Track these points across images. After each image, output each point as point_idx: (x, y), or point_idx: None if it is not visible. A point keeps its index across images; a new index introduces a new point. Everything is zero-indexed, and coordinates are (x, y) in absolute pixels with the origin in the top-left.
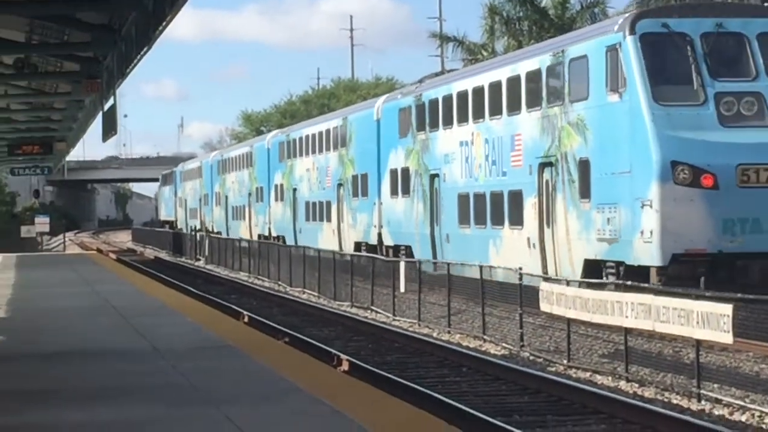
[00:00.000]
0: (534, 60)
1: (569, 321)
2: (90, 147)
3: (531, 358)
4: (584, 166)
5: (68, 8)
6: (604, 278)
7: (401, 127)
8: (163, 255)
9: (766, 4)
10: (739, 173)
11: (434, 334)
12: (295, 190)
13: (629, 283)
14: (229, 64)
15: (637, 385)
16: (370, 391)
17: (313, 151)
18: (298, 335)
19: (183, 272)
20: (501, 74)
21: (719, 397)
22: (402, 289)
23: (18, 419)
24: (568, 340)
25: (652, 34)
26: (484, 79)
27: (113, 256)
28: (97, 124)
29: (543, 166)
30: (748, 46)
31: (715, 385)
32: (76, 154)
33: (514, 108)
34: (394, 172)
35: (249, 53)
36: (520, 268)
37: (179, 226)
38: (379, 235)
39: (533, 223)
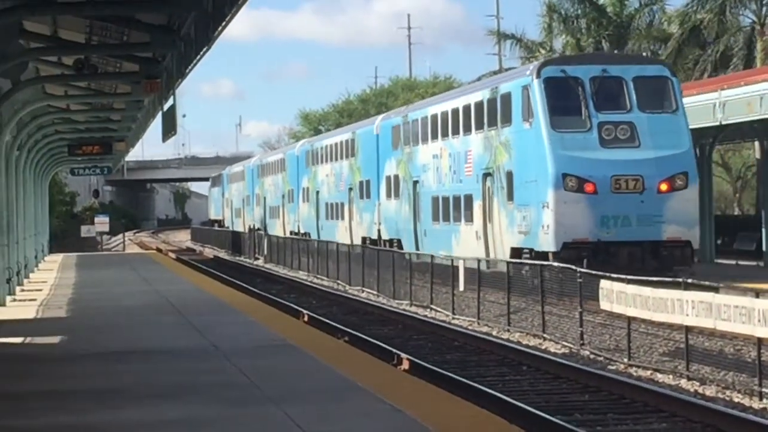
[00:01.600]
0: (479, 93)
1: (629, 319)
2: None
3: (591, 356)
4: (509, 176)
5: (127, 9)
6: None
7: (393, 141)
8: (222, 254)
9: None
10: (612, 182)
11: (494, 333)
12: (318, 192)
13: (690, 281)
14: (286, 64)
15: (698, 384)
16: (430, 389)
17: (331, 159)
18: (358, 334)
19: (242, 271)
20: (459, 103)
21: None
22: (461, 288)
23: (79, 419)
24: (629, 338)
25: (552, 78)
26: (448, 105)
27: (172, 255)
28: (156, 124)
29: (485, 175)
30: (625, 86)
31: None
32: (135, 153)
33: (467, 130)
34: (388, 179)
35: (305, 52)
36: (579, 269)
37: (226, 224)
38: (378, 231)
39: (480, 220)
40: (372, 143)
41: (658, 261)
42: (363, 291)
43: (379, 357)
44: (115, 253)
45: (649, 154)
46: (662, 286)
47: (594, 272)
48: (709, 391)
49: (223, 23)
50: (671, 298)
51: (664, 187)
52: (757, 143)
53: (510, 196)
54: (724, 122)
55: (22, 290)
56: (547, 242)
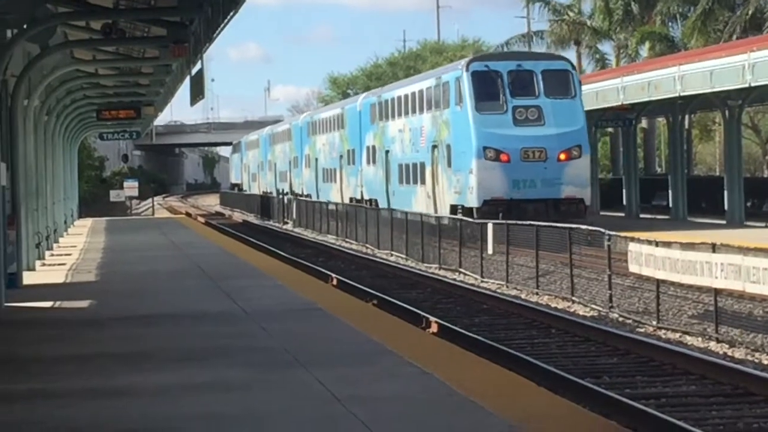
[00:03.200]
0: (429, 81)
1: (658, 282)
2: (178, 111)
3: (620, 319)
4: (448, 148)
5: None
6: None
7: (371, 117)
8: (251, 218)
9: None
10: (522, 153)
11: (522, 296)
12: (317, 159)
13: (719, 243)
14: (311, 27)
15: (727, 346)
16: (458, 352)
17: (327, 131)
18: (387, 297)
19: (271, 235)
20: (416, 87)
21: None
22: (490, 251)
23: (109, 382)
24: (657, 301)
25: (478, 71)
26: (408, 89)
27: (201, 219)
28: (184, 89)
29: (433, 147)
30: (535, 78)
31: None
32: (164, 118)
33: (421, 110)
34: (368, 148)
35: (330, 16)
36: (607, 231)
37: (244, 188)
38: (361, 192)
39: (429, 182)
40: (356, 118)
41: (558, 214)
42: (392, 255)
43: (408, 320)
44: (144, 217)
45: (551, 131)
46: (691, 248)
47: (621, 234)
48: (738, 353)
49: None
50: (700, 260)
51: (562, 156)
52: None
53: (449, 164)
54: (753, 84)
55: (52, 255)
56: (472, 200)
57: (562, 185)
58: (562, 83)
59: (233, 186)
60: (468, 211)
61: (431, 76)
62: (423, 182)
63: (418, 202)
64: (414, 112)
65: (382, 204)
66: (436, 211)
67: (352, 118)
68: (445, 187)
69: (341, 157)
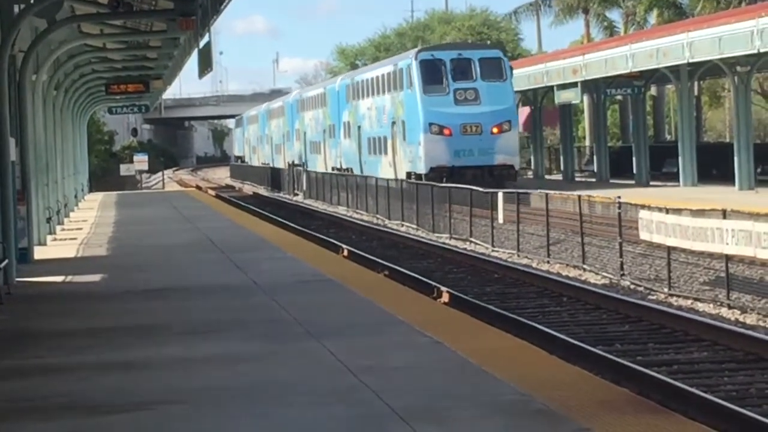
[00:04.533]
0: (389, 66)
1: (669, 249)
2: (186, 84)
3: (631, 286)
4: (403, 124)
5: None
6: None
7: (347, 97)
8: (261, 190)
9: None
10: (461, 128)
11: (534, 265)
12: (305, 133)
13: (730, 209)
14: None
15: (738, 312)
16: (470, 322)
17: (313, 108)
18: (398, 268)
19: (281, 207)
20: (379, 72)
21: None
22: (500, 220)
23: (121, 355)
24: (669, 268)
25: (425, 59)
26: (374, 74)
27: (212, 192)
28: (192, 62)
29: (393, 123)
30: (473, 65)
31: None
32: (172, 91)
33: (383, 91)
34: (345, 124)
35: None
36: (619, 197)
37: (246, 160)
38: (340, 162)
39: (390, 153)
40: (336, 97)
41: (493, 178)
42: (402, 225)
43: (419, 290)
44: (154, 191)
45: (486, 108)
46: (702, 215)
47: (632, 203)
48: (750, 319)
49: None
50: (711, 227)
51: (495, 130)
52: None
53: (404, 138)
54: (762, 50)
55: (63, 229)
56: (421, 167)
57: (495, 154)
58: (495, 69)
59: (236, 158)
60: (418, 177)
61: (391, 62)
62: (386, 153)
63: (383, 169)
64: (378, 93)
65: (356, 172)
66: (396, 177)
67: (332, 97)
68: (401, 156)
69: (324, 131)
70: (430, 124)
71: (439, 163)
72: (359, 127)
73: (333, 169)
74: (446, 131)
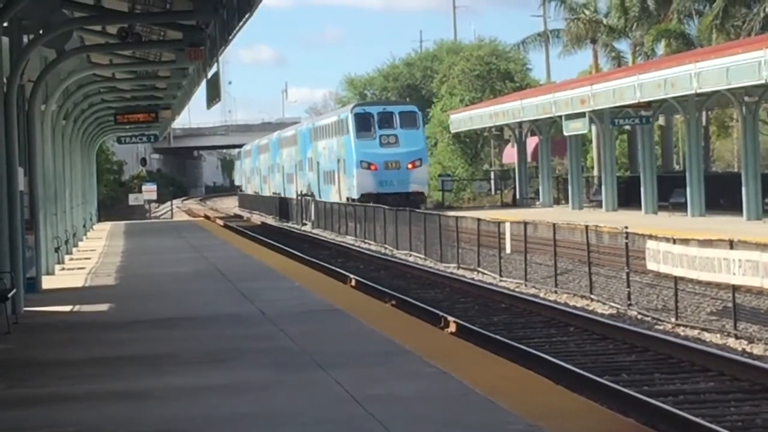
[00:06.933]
0: (335, 116)
1: (676, 279)
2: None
3: (639, 316)
4: (344, 161)
5: None
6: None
7: (311, 138)
8: (270, 220)
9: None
10: (384, 164)
11: (541, 294)
12: (283, 167)
13: (737, 240)
14: (323, 29)
15: (746, 342)
16: (477, 352)
17: (288, 146)
18: (405, 297)
19: (289, 237)
20: (329, 120)
21: None
22: (508, 250)
23: (128, 384)
24: (676, 298)
25: (359, 113)
26: (326, 121)
27: (220, 222)
28: (202, 92)
29: (338, 160)
30: (394, 117)
31: None
32: (182, 121)
33: (332, 135)
34: (309, 159)
35: (341, 18)
36: (626, 227)
37: (243, 189)
38: (306, 188)
39: (337, 183)
40: (304, 138)
41: (408, 202)
42: (410, 255)
43: (426, 320)
44: (163, 220)
45: (403, 150)
46: (709, 245)
47: (639, 233)
48: (757, 349)
49: None
50: (718, 257)
51: (410, 166)
52: None
53: (344, 171)
54: None
55: (71, 259)
56: (354, 194)
57: (410, 183)
58: (411, 120)
59: (237, 187)
60: (353, 200)
61: (336, 114)
62: (334, 183)
63: (333, 195)
64: (329, 136)
65: (317, 197)
66: (340, 199)
67: (301, 137)
68: (343, 186)
69: (296, 165)
70: (361, 162)
71: (368, 191)
72: (318, 163)
73: (300, 193)
74: (373, 167)
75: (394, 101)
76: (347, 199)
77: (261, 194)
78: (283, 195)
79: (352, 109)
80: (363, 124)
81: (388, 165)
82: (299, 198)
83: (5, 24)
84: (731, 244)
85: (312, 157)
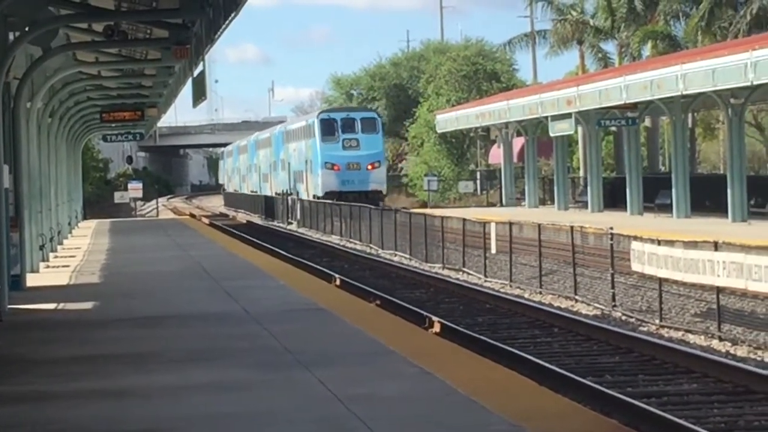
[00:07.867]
0: (303, 121)
1: (661, 280)
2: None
3: (623, 318)
4: (311, 162)
5: None
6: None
7: (283, 141)
8: (255, 219)
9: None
10: (347, 165)
11: (526, 295)
12: (260, 167)
13: (721, 241)
14: (309, 28)
15: (729, 344)
16: (461, 352)
17: (264, 147)
18: (390, 297)
19: (275, 236)
20: (299, 125)
21: None
22: (493, 251)
23: (112, 382)
24: (660, 299)
25: (324, 119)
26: (295, 126)
27: (206, 220)
28: (188, 90)
29: (306, 161)
30: (356, 122)
31: None
32: (168, 119)
33: (301, 139)
34: (282, 161)
35: (328, 17)
36: (611, 229)
37: (225, 188)
38: (278, 187)
39: (306, 182)
40: (277, 140)
41: (368, 200)
42: (395, 255)
43: (411, 320)
44: (148, 218)
45: (363, 152)
46: (694, 247)
47: (624, 233)
48: (741, 351)
49: None
50: (702, 258)
51: (369, 167)
52: None
53: (311, 171)
54: (755, 82)
55: (56, 257)
56: (319, 191)
57: (369, 183)
58: (371, 125)
59: (220, 185)
60: (319, 197)
61: (305, 119)
62: (303, 182)
63: (302, 193)
64: (299, 140)
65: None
66: (308, 197)
67: (275, 140)
68: (310, 184)
69: (270, 165)
70: (326, 163)
71: (331, 189)
72: (289, 164)
73: (275, 192)
74: (336, 167)
75: (356, 108)
76: (313, 196)
77: (240, 192)
78: (259, 193)
79: (318, 114)
80: (328, 128)
81: (350, 166)
82: (284, 196)
83: None
84: (716, 246)
85: (284, 158)
